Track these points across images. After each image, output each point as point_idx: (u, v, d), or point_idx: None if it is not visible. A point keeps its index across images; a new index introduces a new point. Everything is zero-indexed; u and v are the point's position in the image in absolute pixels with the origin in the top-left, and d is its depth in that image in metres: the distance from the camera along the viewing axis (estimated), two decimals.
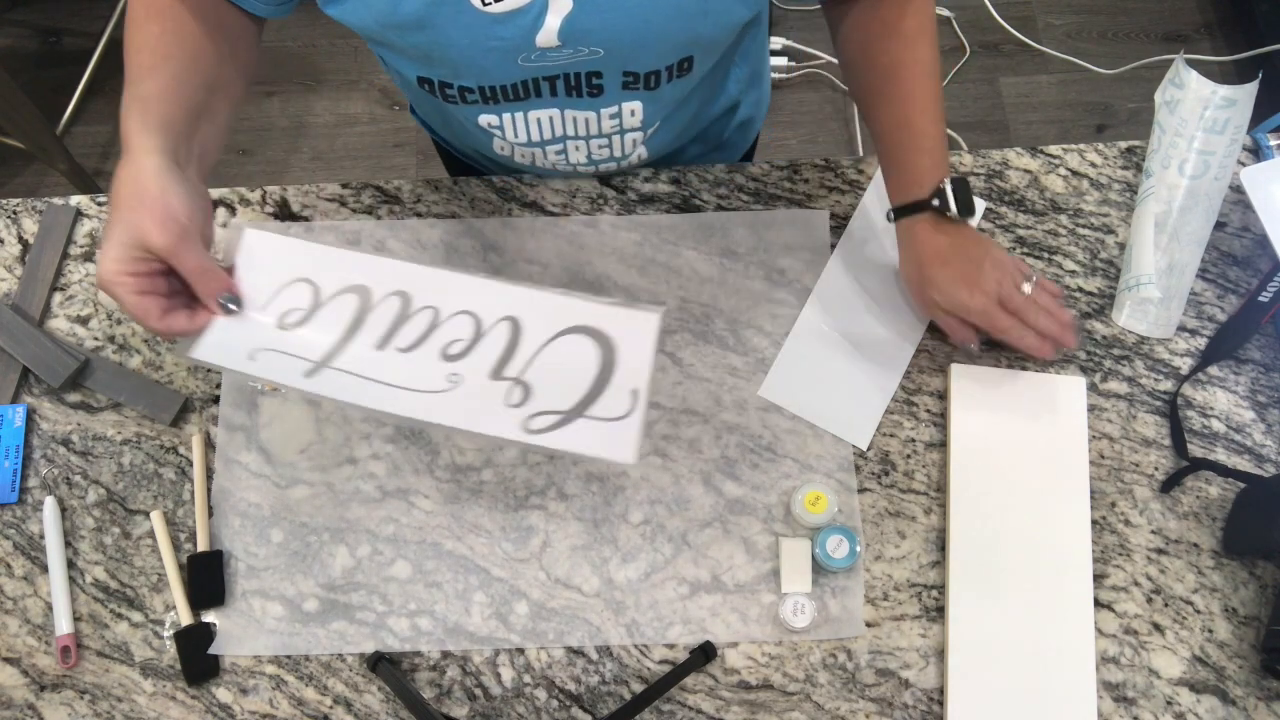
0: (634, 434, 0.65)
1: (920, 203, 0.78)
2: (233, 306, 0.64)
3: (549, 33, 0.67)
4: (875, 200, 0.93)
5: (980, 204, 0.93)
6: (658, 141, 0.90)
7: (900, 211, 0.80)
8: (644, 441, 0.65)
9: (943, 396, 0.86)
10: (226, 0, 0.71)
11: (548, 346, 0.66)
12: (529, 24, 0.67)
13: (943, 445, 0.85)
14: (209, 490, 0.83)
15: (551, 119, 0.80)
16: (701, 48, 0.75)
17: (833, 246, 0.91)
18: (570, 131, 0.82)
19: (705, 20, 0.71)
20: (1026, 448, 0.83)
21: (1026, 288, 0.79)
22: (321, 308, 0.66)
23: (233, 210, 0.92)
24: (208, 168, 0.68)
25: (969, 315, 0.79)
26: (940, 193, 0.77)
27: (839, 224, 0.92)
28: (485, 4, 0.65)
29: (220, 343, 0.64)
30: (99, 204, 0.93)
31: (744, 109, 1.01)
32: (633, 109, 0.80)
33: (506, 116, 0.80)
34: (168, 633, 0.80)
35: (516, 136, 0.83)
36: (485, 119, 0.80)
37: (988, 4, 2.11)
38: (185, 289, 0.63)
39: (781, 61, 2.09)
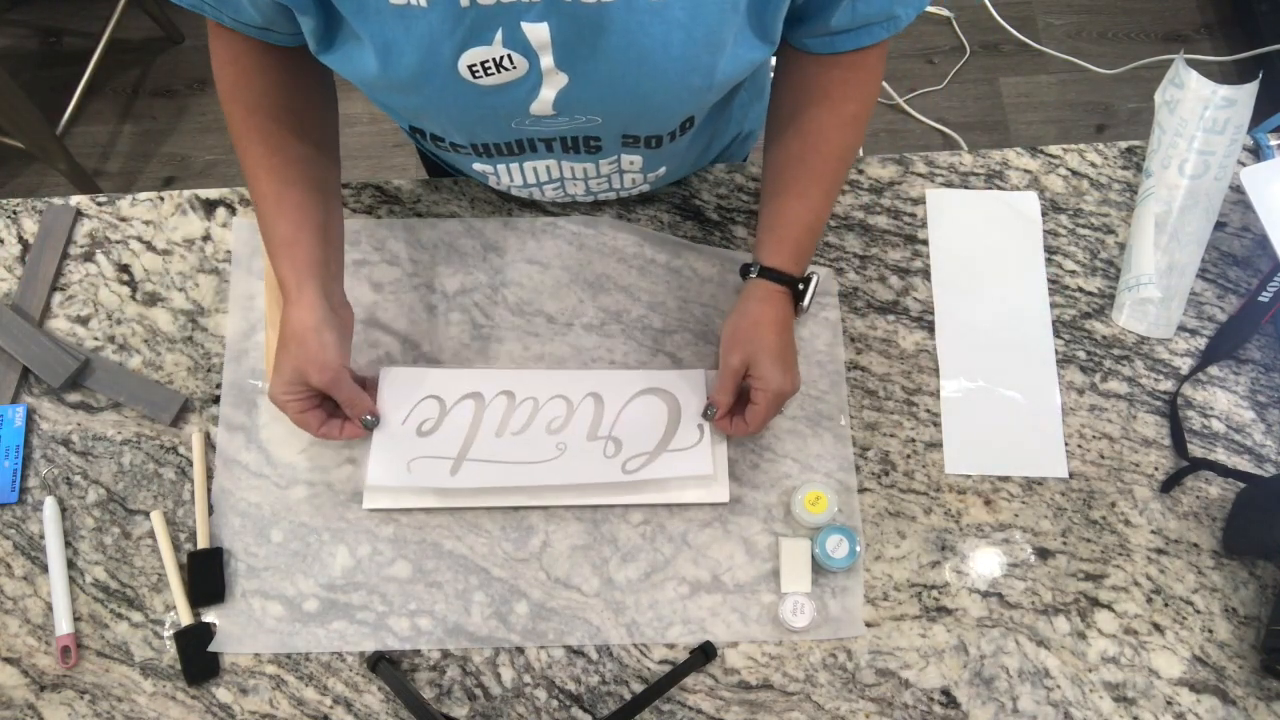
0: (706, 453, 0.82)
1: (791, 277, 0.79)
2: (373, 424, 0.80)
3: (544, 104, 0.66)
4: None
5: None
6: (662, 182, 0.90)
7: (767, 273, 0.79)
8: (719, 465, 0.83)
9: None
10: (299, 80, 0.75)
11: (625, 408, 0.84)
12: (523, 96, 0.66)
13: (942, 445, 0.85)
14: (209, 490, 0.83)
15: (549, 167, 0.80)
16: (703, 110, 0.74)
17: None
18: (567, 175, 0.82)
19: (709, 92, 0.68)
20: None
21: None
22: (448, 414, 0.83)
23: (233, 210, 0.93)
24: (341, 270, 0.80)
25: (766, 389, 0.77)
26: (806, 281, 0.82)
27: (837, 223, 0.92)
28: (475, 77, 0.63)
29: (383, 468, 0.81)
30: (99, 204, 0.93)
31: (748, 125, 1.01)
32: (632, 160, 0.80)
33: (501, 166, 0.80)
34: (168, 633, 0.80)
35: (512, 181, 0.83)
36: (479, 167, 0.81)
37: (988, 4, 2.11)
38: (338, 407, 0.79)
39: None
